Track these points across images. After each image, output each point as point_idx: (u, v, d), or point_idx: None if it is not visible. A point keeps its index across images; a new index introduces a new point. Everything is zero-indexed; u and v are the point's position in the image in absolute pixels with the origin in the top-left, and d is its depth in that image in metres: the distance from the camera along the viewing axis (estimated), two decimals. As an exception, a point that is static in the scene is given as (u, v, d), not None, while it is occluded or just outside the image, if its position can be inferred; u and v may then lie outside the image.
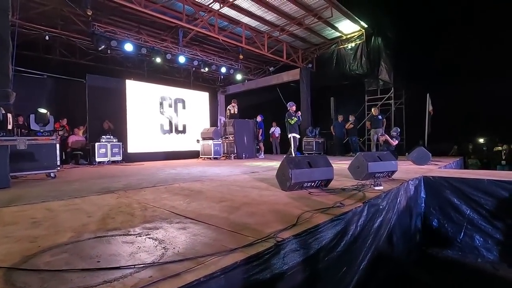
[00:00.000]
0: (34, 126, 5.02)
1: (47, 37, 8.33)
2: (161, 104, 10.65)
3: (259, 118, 10.80)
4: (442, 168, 5.78)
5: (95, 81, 9.15)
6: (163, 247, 1.53)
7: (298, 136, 7.50)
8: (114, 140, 8.55)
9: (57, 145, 5.17)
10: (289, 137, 7.36)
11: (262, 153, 10.68)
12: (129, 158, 9.12)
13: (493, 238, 3.74)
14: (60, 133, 8.36)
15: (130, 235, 1.77)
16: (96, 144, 8.18)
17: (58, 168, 5.62)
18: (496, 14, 8.70)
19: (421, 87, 9.63)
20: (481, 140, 11.45)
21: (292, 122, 7.25)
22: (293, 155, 6.77)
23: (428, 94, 9.13)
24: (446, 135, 10.22)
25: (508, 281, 3.46)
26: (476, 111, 9.69)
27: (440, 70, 9.81)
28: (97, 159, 8.13)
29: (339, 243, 2.10)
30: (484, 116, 9.87)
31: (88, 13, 7.61)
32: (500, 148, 10.02)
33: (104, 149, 8.32)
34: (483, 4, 8.72)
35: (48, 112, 5.25)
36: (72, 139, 8.67)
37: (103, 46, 8.10)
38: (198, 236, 1.72)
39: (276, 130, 12.11)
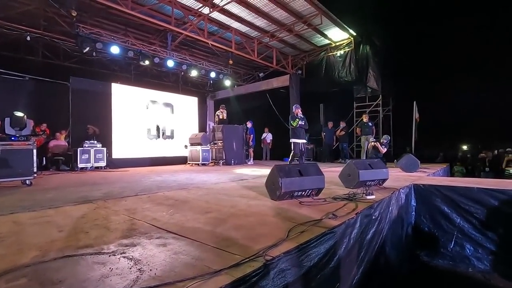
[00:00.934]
0: (9, 130, 4.71)
1: (28, 38, 8.00)
2: (148, 108, 10.38)
3: (249, 124, 10.67)
4: (431, 175, 5.79)
5: (79, 84, 8.82)
6: (139, 269, 1.37)
7: (298, 141, 6.78)
8: (98, 145, 8.23)
9: (35, 151, 4.87)
10: (289, 142, 6.93)
11: (251, 159, 10.53)
12: (114, 164, 8.80)
13: (483, 247, 3.71)
14: (41, 137, 8.00)
15: (103, 253, 1.59)
16: (79, 149, 7.84)
17: (35, 175, 5.31)
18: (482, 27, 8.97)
19: (408, 95, 9.78)
20: (465, 147, 11.71)
21: (294, 124, 6.65)
22: (290, 160, 6.69)
23: (415, 102, 9.25)
24: (432, 142, 10.40)
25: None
26: (461, 119, 9.92)
27: (426, 78, 10.01)
28: (80, 165, 7.79)
29: (332, 258, 1.98)
30: (468, 124, 10.11)
31: (73, 14, 7.37)
32: (484, 155, 10.24)
33: (87, 155, 7.98)
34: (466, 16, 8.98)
35: (25, 116, 4.96)
36: (52, 144, 8.29)
37: (88, 48, 7.84)
38: (179, 255, 1.56)
39: (267, 136, 12.03)
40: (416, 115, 9.29)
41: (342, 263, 2.12)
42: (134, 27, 9.31)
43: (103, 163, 8.26)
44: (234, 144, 9.53)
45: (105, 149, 8.37)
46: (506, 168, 9.26)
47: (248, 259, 1.46)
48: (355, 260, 2.39)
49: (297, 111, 6.80)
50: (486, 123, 9.81)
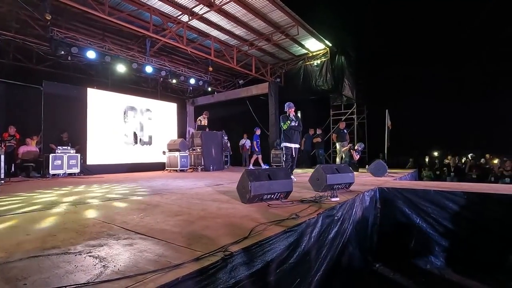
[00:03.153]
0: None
1: (-3, 40, 7.76)
2: (125, 114, 10.25)
3: (258, 132, 10.62)
4: (397, 179, 6.15)
5: (52, 88, 8.60)
6: (103, 265, 1.45)
7: (291, 146, 5.76)
8: (72, 151, 8.04)
9: (2, 156, 4.73)
10: (280, 147, 6.12)
11: (263, 164, 10.44)
12: (88, 170, 8.60)
13: (439, 245, 4.02)
14: (11, 142, 7.71)
15: (70, 253, 1.65)
16: (51, 155, 7.62)
17: (3, 181, 5.15)
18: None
19: (380, 103, 10.32)
20: (435, 154, 12.43)
21: (285, 126, 5.69)
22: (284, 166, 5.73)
23: (387, 110, 9.77)
24: (403, 149, 10.99)
25: (453, 285, 3.72)
26: (429, 127, 10.59)
27: (397, 88, 10.62)
28: (51, 172, 7.56)
29: (291, 254, 2.13)
30: (436, 132, 10.81)
31: (47, 17, 7.25)
32: (449, 161, 10.92)
33: (60, 161, 7.77)
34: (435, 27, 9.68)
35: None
36: (22, 149, 8.01)
37: (62, 52, 7.71)
38: (144, 253, 1.66)
39: (246, 143, 12.19)
40: (388, 122, 9.81)
41: (302, 260, 2.28)
42: (111, 32, 9.26)
43: (76, 170, 8.06)
44: (213, 150, 9.60)
45: (79, 155, 8.18)
46: (468, 173, 9.93)
47: (208, 254, 1.58)
48: (317, 258, 2.55)
49: (290, 110, 5.84)
50: (452, 131, 10.55)
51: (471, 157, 10.38)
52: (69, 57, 8.12)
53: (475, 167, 9.83)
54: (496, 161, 9.26)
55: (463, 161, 10.72)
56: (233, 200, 3.46)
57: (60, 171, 7.74)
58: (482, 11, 8.74)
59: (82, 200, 3.57)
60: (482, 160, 10.16)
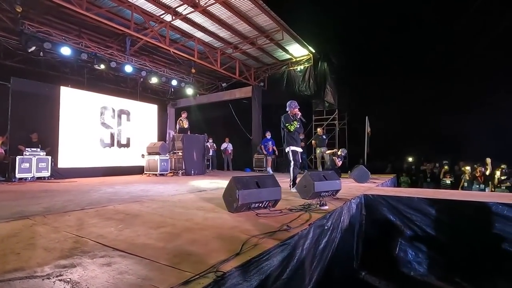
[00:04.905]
0: None
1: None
2: (102, 115, 9.74)
3: (268, 135, 10.65)
4: (380, 186, 6.24)
5: (21, 85, 7.98)
6: (76, 293, 1.26)
7: (298, 150, 5.21)
8: (41, 154, 7.48)
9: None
10: (286, 151, 5.23)
11: (269, 169, 10.39)
12: (59, 174, 8.04)
13: (422, 252, 4.07)
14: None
15: (36, 277, 1.43)
16: (18, 157, 7.03)
17: (-40, 186, 4.64)
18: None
19: (361, 110, 10.55)
20: (410, 160, 12.86)
21: (292, 128, 5.09)
22: (292, 175, 5.01)
23: (367, 117, 9.99)
24: (382, 154, 11.28)
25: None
26: (406, 134, 10.94)
27: (376, 95, 10.91)
28: (18, 175, 6.97)
29: (285, 269, 2.02)
30: (413, 139, 11.19)
31: (18, 9, 6.78)
32: (425, 167, 11.32)
33: (28, 164, 7.19)
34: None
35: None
36: (-15, 151, 7.36)
37: (33, 48, 7.21)
38: (124, 275, 1.47)
39: (228, 146, 12.03)
40: (368, 129, 10.03)
41: (295, 274, 2.17)
42: (89, 29, 8.80)
43: (46, 173, 7.51)
44: (194, 154, 9.33)
45: (49, 157, 7.63)
46: (442, 179, 10.33)
47: (198, 276, 1.43)
48: (308, 270, 2.46)
49: (295, 110, 5.19)
50: (428, 138, 10.97)
51: (445, 164, 10.82)
52: (41, 53, 7.62)
53: (449, 174, 10.24)
54: (468, 167, 9.70)
55: (437, 165, 11.15)
56: (218, 209, 3.29)
57: (28, 175, 7.17)
58: (457, 25, 9.19)
59: (52, 209, 3.26)
60: (456, 167, 10.63)
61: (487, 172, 8.57)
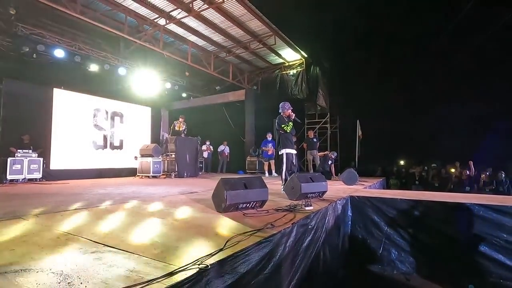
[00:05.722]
0: None
1: None
2: (95, 116, 9.77)
3: (269, 136, 10.49)
4: (367, 188, 6.42)
5: (14, 87, 8.00)
6: (68, 283, 1.37)
7: (293, 152, 5.20)
8: (33, 155, 7.49)
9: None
10: (280, 153, 5.20)
11: (273, 172, 10.22)
12: (51, 175, 8.04)
13: (405, 251, 4.23)
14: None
15: (30, 270, 1.53)
16: (9, 159, 7.04)
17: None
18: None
19: (352, 114, 10.77)
20: (401, 162, 13.12)
21: (288, 128, 5.10)
22: (284, 177, 5.00)
23: (358, 120, 10.21)
24: (373, 157, 11.49)
25: (417, 290, 3.93)
26: (396, 137, 11.18)
27: (367, 100, 11.14)
28: (9, 177, 6.97)
29: (266, 265, 2.14)
30: (402, 142, 11.43)
31: (11, 11, 6.83)
32: (414, 170, 11.57)
33: (20, 165, 7.19)
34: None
35: None
36: (-24, 152, 7.33)
37: (27, 49, 7.25)
38: (113, 268, 1.58)
39: (226, 149, 12.16)
40: (359, 132, 10.25)
41: (277, 270, 2.30)
42: (83, 31, 8.85)
43: (38, 175, 7.52)
44: (187, 156, 9.41)
45: (41, 159, 7.64)
46: (431, 181, 10.58)
47: (182, 268, 1.54)
48: (291, 267, 2.58)
49: (289, 112, 5.18)
50: (417, 142, 11.23)
51: (433, 167, 11.08)
52: (35, 54, 7.66)
53: (437, 176, 10.50)
54: (453, 170, 9.98)
55: (425, 169, 11.41)
56: (207, 209, 3.40)
57: (19, 176, 7.18)
58: (442, 35, 9.51)
59: (44, 210, 3.33)
60: (443, 170, 10.90)
61: (471, 175, 8.85)
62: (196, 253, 1.82)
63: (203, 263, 1.63)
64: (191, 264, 1.60)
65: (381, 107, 11.01)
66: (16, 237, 2.21)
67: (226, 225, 2.64)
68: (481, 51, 9.04)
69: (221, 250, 1.87)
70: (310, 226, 3.03)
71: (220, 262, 1.69)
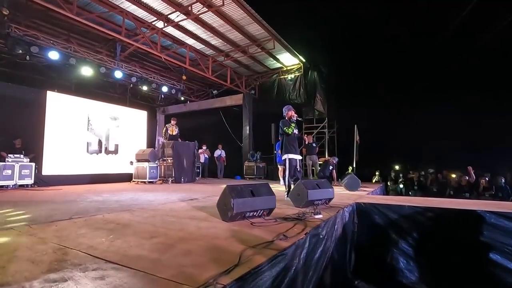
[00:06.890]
0: None
1: None
2: (89, 121, 9.52)
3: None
4: (370, 194, 6.31)
5: (5, 89, 7.73)
6: (69, 310, 1.19)
7: (297, 157, 4.96)
8: (25, 160, 7.22)
9: None
10: (283, 159, 5.01)
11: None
12: (44, 181, 7.75)
13: (413, 259, 4.11)
14: None
15: (24, 293, 1.35)
16: (0, 164, 6.77)
17: None
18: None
19: (350, 118, 10.72)
20: (397, 167, 13.11)
21: (290, 131, 4.89)
22: (287, 184, 4.87)
23: (355, 125, 10.16)
24: (370, 162, 11.44)
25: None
26: (394, 142, 11.16)
27: (365, 105, 11.13)
28: (-1, 183, 6.70)
29: (283, 280, 1.99)
30: (400, 147, 11.42)
31: (4, 12, 6.61)
32: (412, 175, 11.55)
33: (10, 170, 6.92)
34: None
35: None
36: (-36, 157, 7.03)
37: (20, 51, 7.02)
38: (119, 289, 1.41)
39: (222, 153, 11.98)
40: (357, 137, 10.19)
41: (291, 285, 2.14)
42: (78, 33, 8.66)
43: (30, 181, 7.24)
44: (184, 161, 9.20)
45: (33, 164, 7.37)
46: (430, 187, 10.56)
47: (197, 289, 1.38)
48: (304, 280, 2.43)
49: (291, 113, 5.00)
50: (414, 147, 11.22)
51: (431, 172, 11.07)
52: (28, 56, 7.41)
53: (435, 182, 10.48)
54: (453, 175, 9.96)
55: (422, 173, 11.39)
56: (212, 218, 3.24)
57: (10, 182, 6.89)
58: (436, 40, 9.59)
59: (37, 219, 3.12)
60: (439, 176, 10.89)
61: (471, 181, 8.83)
62: (207, 269, 1.66)
63: (218, 282, 1.48)
64: (205, 285, 1.44)
65: (377, 112, 10.98)
66: (7, 251, 2.01)
67: (235, 236, 2.48)
68: (485, 51, 9.06)
69: (236, 266, 1.71)
70: (321, 236, 2.88)
71: (237, 281, 1.53)
